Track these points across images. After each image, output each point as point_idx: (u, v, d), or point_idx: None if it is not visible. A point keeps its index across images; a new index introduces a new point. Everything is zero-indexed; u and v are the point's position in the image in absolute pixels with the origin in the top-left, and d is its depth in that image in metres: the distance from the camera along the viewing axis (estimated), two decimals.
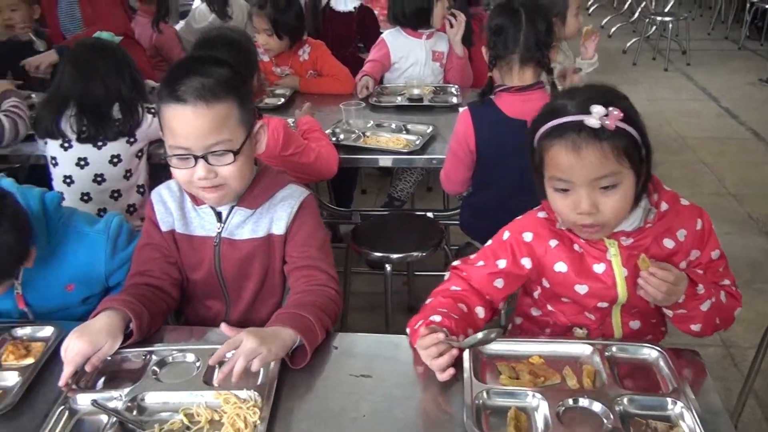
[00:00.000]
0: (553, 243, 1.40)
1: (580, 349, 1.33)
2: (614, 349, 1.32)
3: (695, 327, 1.38)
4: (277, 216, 1.48)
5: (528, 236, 1.42)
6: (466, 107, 2.11)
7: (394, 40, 3.07)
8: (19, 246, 1.38)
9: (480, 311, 1.40)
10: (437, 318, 1.32)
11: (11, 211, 1.37)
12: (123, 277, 1.60)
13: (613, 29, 7.85)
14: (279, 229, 1.49)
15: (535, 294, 1.50)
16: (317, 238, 1.51)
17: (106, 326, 1.31)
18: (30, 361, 1.33)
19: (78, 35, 3.22)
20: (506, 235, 1.45)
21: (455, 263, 1.50)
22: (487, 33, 2.08)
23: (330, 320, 1.41)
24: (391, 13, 3.09)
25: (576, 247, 1.39)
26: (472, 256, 1.48)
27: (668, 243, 1.36)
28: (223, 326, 1.29)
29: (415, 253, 2.37)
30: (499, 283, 1.43)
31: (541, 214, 1.44)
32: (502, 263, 1.42)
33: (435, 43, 3.10)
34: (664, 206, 1.37)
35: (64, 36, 3.34)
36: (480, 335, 1.27)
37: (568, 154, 1.24)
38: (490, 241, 1.48)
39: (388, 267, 2.37)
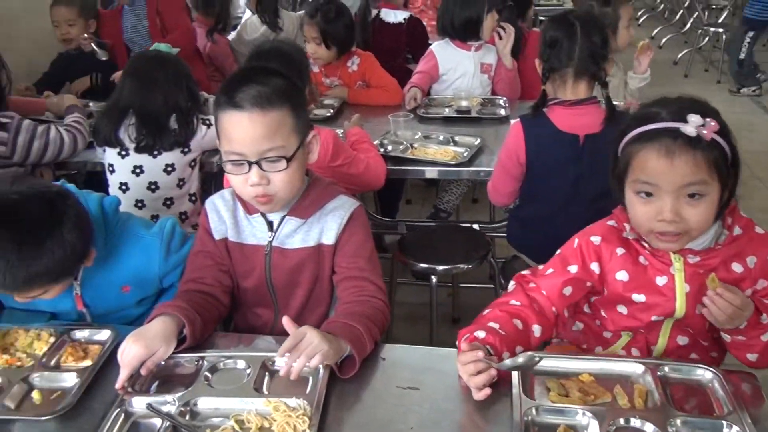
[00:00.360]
0: (620, 251, 1.39)
1: (632, 367, 1.30)
2: (667, 369, 1.29)
3: (752, 356, 1.35)
4: (327, 226, 1.50)
5: (596, 239, 1.42)
6: (517, 119, 2.10)
7: (442, 51, 3.07)
8: (81, 245, 1.43)
9: (536, 330, 1.38)
10: (481, 334, 1.31)
11: (74, 211, 1.43)
12: (176, 278, 1.64)
13: (663, 40, 7.71)
14: (329, 239, 1.50)
15: (592, 298, 1.49)
16: (366, 249, 1.52)
17: (161, 331, 1.35)
18: (88, 363, 1.37)
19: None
20: (576, 242, 1.45)
21: (522, 273, 1.49)
22: (540, 46, 2.06)
23: (378, 331, 1.42)
24: (440, 25, 3.10)
25: (641, 259, 1.38)
26: (540, 267, 1.47)
27: (737, 267, 1.34)
28: (285, 320, 1.31)
29: (461, 265, 2.37)
30: (567, 290, 1.42)
31: (611, 223, 1.44)
32: (573, 269, 1.42)
33: (483, 55, 3.09)
34: (737, 230, 1.35)
35: (129, 48, 3.44)
36: (521, 359, 1.25)
37: (660, 159, 1.24)
38: (558, 251, 1.47)
39: (433, 278, 2.37)
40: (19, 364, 1.38)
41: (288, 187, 1.42)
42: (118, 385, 1.28)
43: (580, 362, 1.32)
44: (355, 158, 2.15)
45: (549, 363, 1.31)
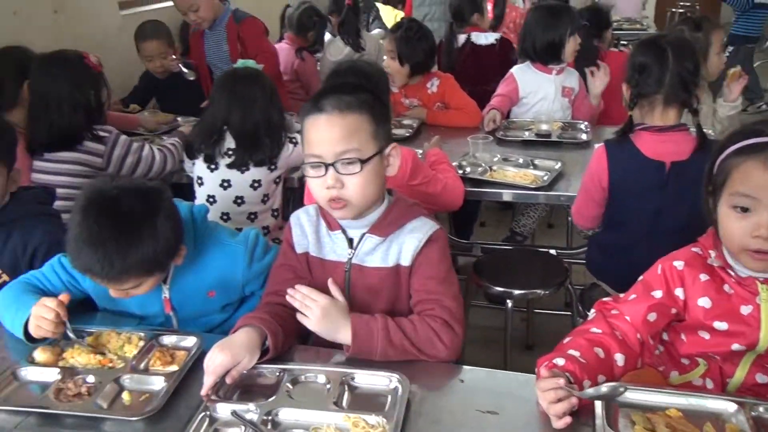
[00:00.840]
0: (704, 277, 1.35)
1: (723, 405, 1.24)
2: (761, 408, 1.22)
3: None
4: (405, 247, 1.49)
5: (680, 264, 1.38)
6: (602, 143, 2.06)
7: (523, 75, 3.05)
8: (173, 239, 1.49)
9: (619, 359, 1.34)
10: (561, 361, 1.28)
11: (168, 205, 1.50)
12: (258, 287, 1.69)
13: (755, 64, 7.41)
14: (406, 260, 1.49)
15: (673, 323, 1.44)
16: (441, 271, 1.50)
17: (245, 342, 1.38)
18: (174, 368, 1.41)
19: None
20: (659, 267, 1.41)
21: (603, 300, 1.46)
22: (628, 70, 2.02)
23: (411, 346, 1.41)
24: (521, 48, 3.08)
25: (726, 287, 1.34)
26: (621, 294, 1.44)
27: None
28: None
29: (538, 291, 2.33)
30: (652, 316, 1.38)
31: (695, 249, 1.40)
32: (657, 294, 1.38)
33: (565, 78, 3.06)
34: None
35: (211, 69, 3.58)
36: (605, 389, 1.22)
37: (764, 172, 1.21)
38: (641, 277, 1.44)
39: (509, 302, 2.34)
40: (111, 365, 1.44)
41: (361, 193, 1.42)
42: (203, 392, 1.32)
43: (667, 396, 1.27)
44: (434, 178, 2.16)
45: (634, 395, 1.26)
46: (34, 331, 1.48)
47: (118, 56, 3.41)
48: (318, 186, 1.44)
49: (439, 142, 2.53)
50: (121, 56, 3.45)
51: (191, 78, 3.37)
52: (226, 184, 2.34)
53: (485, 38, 3.63)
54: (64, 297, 1.51)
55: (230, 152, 2.33)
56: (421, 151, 2.42)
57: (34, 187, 2.13)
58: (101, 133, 2.39)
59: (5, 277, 1.80)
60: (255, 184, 2.34)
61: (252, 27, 3.45)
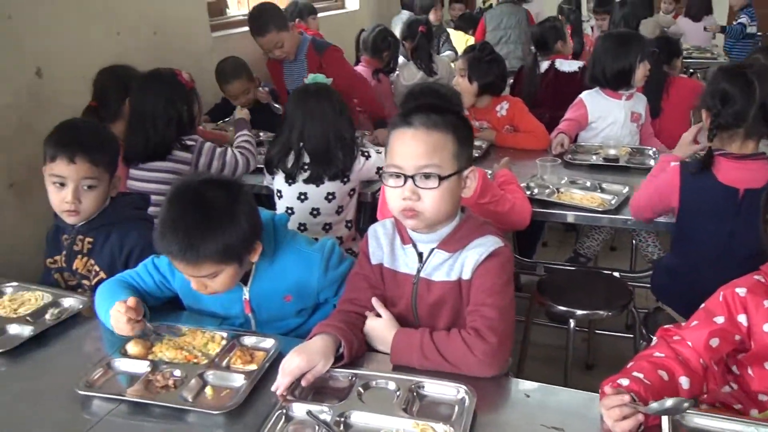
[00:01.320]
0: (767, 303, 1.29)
1: None
2: None
3: None
4: (467, 261, 1.48)
5: (742, 291, 1.34)
6: (677, 163, 1.99)
7: (592, 100, 3.00)
8: (251, 232, 1.54)
9: (684, 382, 1.29)
10: (625, 381, 1.25)
11: (247, 199, 1.57)
12: (332, 294, 1.72)
13: None
14: (467, 274, 1.48)
15: (740, 355, 1.38)
16: (496, 284, 1.45)
17: (321, 348, 1.40)
18: (253, 367, 1.45)
19: None
20: (720, 294, 1.36)
21: (665, 327, 1.41)
22: (707, 96, 1.94)
23: (444, 361, 1.40)
24: (590, 75, 3.04)
25: None
26: (683, 322, 1.39)
27: None
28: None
29: (601, 312, 2.27)
30: (714, 342, 1.33)
31: (758, 277, 1.36)
32: (719, 319, 1.33)
33: (634, 104, 2.99)
34: None
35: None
36: (669, 402, 1.17)
37: None
38: (703, 305, 1.39)
39: (572, 322, 2.29)
40: (195, 361, 1.48)
41: (435, 208, 1.42)
42: (279, 391, 1.34)
43: (737, 425, 1.22)
44: (503, 198, 2.14)
45: (704, 421, 1.22)
46: (114, 329, 1.56)
47: (208, 75, 3.52)
48: (395, 196, 1.45)
49: (508, 163, 2.51)
50: (211, 75, 3.56)
51: (279, 113, 3.42)
52: (303, 197, 2.38)
53: (569, 65, 3.60)
54: (131, 301, 1.55)
55: (306, 167, 2.36)
56: (490, 171, 2.41)
57: (131, 193, 2.23)
58: (188, 142, 2.48)
59: (102, 275, 1.88)
60: (329, 197, 2.38)
61: (334, 55, 3.51)
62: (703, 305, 1.39)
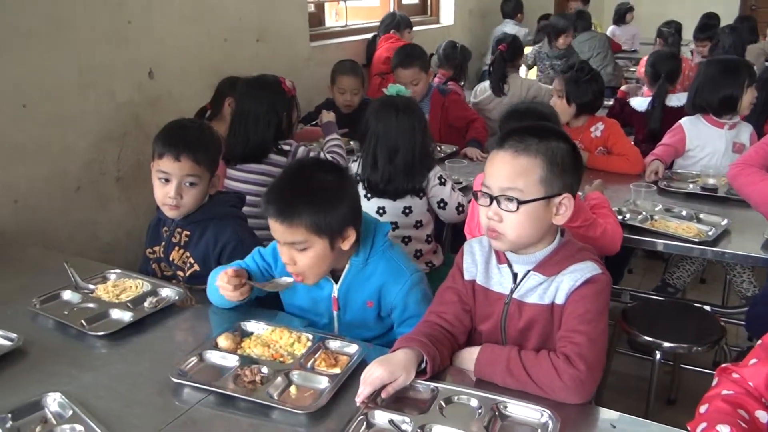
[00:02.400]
0: None
1: None
2: None
3: None
4: (562, 286, 1.44)
5: None
6: None
7: (692, 127, 2.86)
8: (347, 212, 1.60)
9: (762, 416, 1.21)
10: (726, 429, 1.17)
11: (352, 187, 1.69)
12: (397, 319, 1.71)
13: None
14: (561, 298, 1.44)
15: None
16: (589, 311, 1.40)
17: (403, 361, 1.39)
18: (337, 371, 1.45)
19: None
20: None
21: (724, 365, 1.33)
22: None
23: (529, 379, 1.36)
24: (689, 103, 2.90)
25: None
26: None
27: None
28: None
29: (689, 346, 2.16)
30: None
31: None
32: None
33: (737, 133, 2.83)
34: None
35: None
36: None
37: None
38: (759, 341, 1.30)
39: (657, 354, 2.19)
40: (281, 360, 1.50)
41: (515, 232, 1.41)
42: (359, 399, 1.34)
43: None
44: (594, 222, 2.07)
45: None
46: (227, 298, 1.68)
47: (304, 82, 3.61)
48: (482, 214, 1.46)
49: (600, 186, 2.43)
50: (307, 82, 3.66)
51: None
52: (381, 211, 2.36)
53: (677, 99, 3.42)
54: (231, 271, 1.66)
55: (388, 181, 2.31)
56: (581, 193, 2.34)
57: (229, 192, 2.31)
58: (284, 147, 2.54)
59: (196, 267, 1.95)
60: (407, 211, 2.35)
61: (456, 97, 3.57)
62: (760, 341, 1.30)
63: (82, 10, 2.62)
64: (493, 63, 3.91)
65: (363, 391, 1.34)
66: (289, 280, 1.66)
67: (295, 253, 1.58)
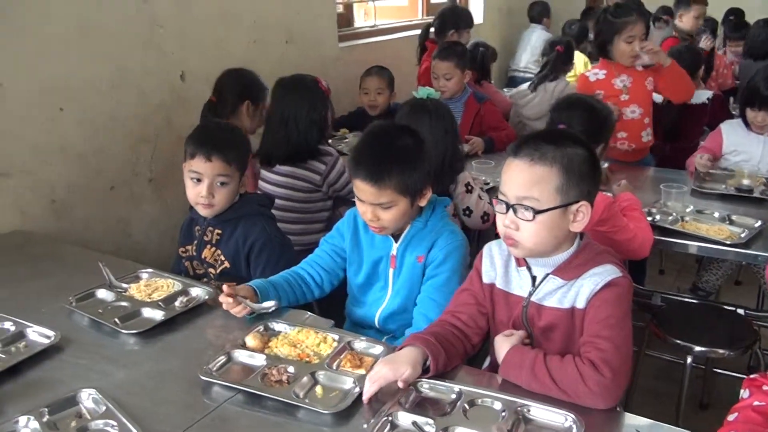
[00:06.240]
0: None
1: None
2: None
3: None
4: (582, 290, 1.43)
5: None
6: None
7: (731, 131, 2.81)
8: (427, 174, 1.73)
9: None
10: None
11: (426, 145, 1.76)
12: (429, 273, 1.77)
13: None
14: (581, 303, 1.43)
15: None
16: (612, 316, 1.38)
17: (407, 357, 1.42)
18: (362, 372, 1.46)
19: None
20: None
21: (752, 376, 1.31)
22: None
23: (553, 384, 1.35)
24: (741, 100, 2.82)
25: None
26: None
27: None
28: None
29: (722, 350, 2.13)
30: None
31: None
32: None
33: None
34: None
35: None
36: None
37: None
38: None
39: (689, 358, 2.16)
40: (308, 360, 1.53)
41: (532, 240, 1.41)
42: (364, 397, 1.36)
43: None
44: (624, 227, 2.05)
45: None
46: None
47: (333, 83, 3.60)
48: (499, 221, 1.46)
49: (628, 186, 2.40)
50: (335, 83, 3.66)
51: None
52: None
53: (697, 96, 3.38)
54: (226, 289, 1.68)
55: None
56: (610, 194, 2.32)
57: (258, 193, 2.34)
58: (325, 157, 2.56)
59: (226, 264, 2.00)
60: None
61: (492, 108, 3.57)
62: None
63: (117, 17, 2.67)
64: (546, 64, 3.85)
65: (369, 389, 1.37)
66: (270, 303, 1.71)
67: (379, 211, 1.69)
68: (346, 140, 3.45)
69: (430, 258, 1.76)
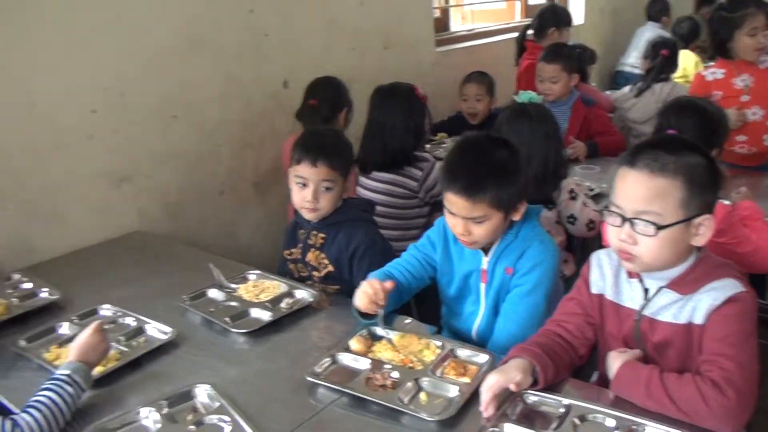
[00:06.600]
0: None
1: None
2: None
3: None
4: (701, 305, 1.34)
5: None
6: None
7: None
8: (522, 189, 1.66)
9: None
10: None
11: (522, 158, 1.69)
12: (515, 282, 1.71)
13: None
14: (699, 318, 1.34)
15: None
16: (734, 334, 1.30)
17: (517, 366, 1.39)
18: (467, 380, 1.45)
19: None
20: None
21: None
22: None
23: (671, 403, 1.28)
24: None
25: None
26: None
27: None
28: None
29: None
30: None
31: None
32: None
33: None
34: None
35: None
36: None
37: None
38: None
39: None
40: (411, 365, 1.52)
41: (652, 255, 1.33)
42: (482, 407, 1.34)
43: None
44: (745, 238, 1.91)
45: None
46: (357, 300, 1.67)
47: (430, 88, 3.62)
48: (612, 234, 1.38)
49: (748, 193, 2.25)
50: (433, 88, 3.67)
51: None
52: None
53: None
54: (389, 284, 1.66)
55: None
56: (728, 202, 2.18)
57: (360, 198, 2.38)
58: (422, 163, 2.57)
59: (330, 268, 2.03)
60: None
61: (600, 112, 3.48)
62: None
63: (225, 29, 2.80)
64: (652, 68, 3.69)
65: (485, 398, 1.34)
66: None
67: (471, 225, 1.64)
68: (444, 145, 3.43)
69: (517, 267, 1.71)
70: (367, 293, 1.64)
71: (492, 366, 1.48)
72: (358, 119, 2.78)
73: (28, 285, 2.06)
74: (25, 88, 2.23)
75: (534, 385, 1.40)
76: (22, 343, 1.72)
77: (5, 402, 1.53)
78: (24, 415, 1.33)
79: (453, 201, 1.62)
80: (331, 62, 3.23)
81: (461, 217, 1.63)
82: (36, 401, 1.37)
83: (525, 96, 2.38)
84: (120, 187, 2.52)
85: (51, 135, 2.31)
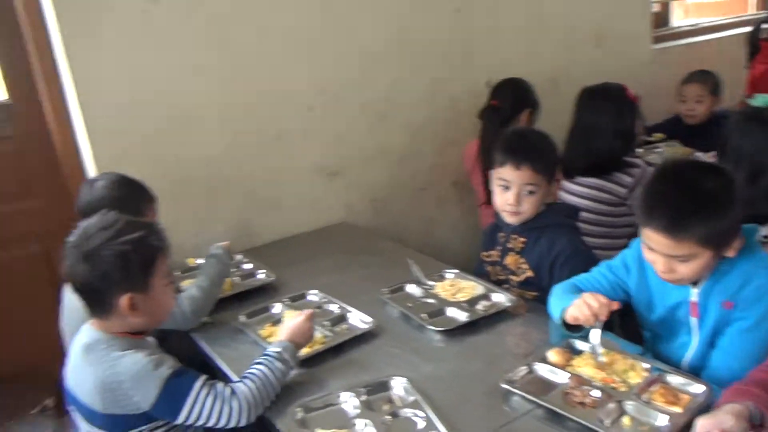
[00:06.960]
0: None
1: None
2: None
3: None
4: None
5: None
6: None
7: None
8: (736, 219, 1.44)
9: None
10: None
11: (735, 186, 1.44)
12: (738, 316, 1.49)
13: None
14: None
15: None
16: None
17: (729, 409, 1.19)
18: (678, 410, 1.32)
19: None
20: None
21: None
22: None
23: None
24: None
25: None
26: None
27: None
28: None
29: None
30: None
31: None
32: None
33: None
34: None
35: None
36: None
37: None
38: None
39: None
40: (614, 386, 1.42)
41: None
42: None
43: None
44: None
45: None
46: (568, 315, 1.57)
47: (645, 89, 3.37)
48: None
49: None
50: (648, 89, 3.39)
51: None
52: None
53: None
54: (615, 304, 1.52)
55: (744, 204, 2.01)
56: None
57: (564, 203, 2.29)
58: (633, 169, 2.42)
59: (529, 273, 1.97)
60: None
61: None
62: None
63: (432, 28, 2.84)
64: None
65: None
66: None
67: (675, 264, 1.46)
68: (659, 150, 3.17)
69: (739, 298, 1.49)
70: (592, 307, 1.52)
71: (708, 398, 1.34)
72: (565, 121, 2.68)
73: (249, 266, 2.27)
74: (255, 89, 2.46)
75: (760, 428, 1.22)
76: (242, 318, 1.90)
77: (226, 370, 1.70)
78: (240, 384, 1.47)
79: (652, 237, 1.45)
80: (536, 61, 3.15)
81: (662, 254, 1.45)
82: (250, 373, 1.50)
83: (762, 99, 2.17)
84: (331, 180, 2.69)
85: (273, 130, 2.52)
